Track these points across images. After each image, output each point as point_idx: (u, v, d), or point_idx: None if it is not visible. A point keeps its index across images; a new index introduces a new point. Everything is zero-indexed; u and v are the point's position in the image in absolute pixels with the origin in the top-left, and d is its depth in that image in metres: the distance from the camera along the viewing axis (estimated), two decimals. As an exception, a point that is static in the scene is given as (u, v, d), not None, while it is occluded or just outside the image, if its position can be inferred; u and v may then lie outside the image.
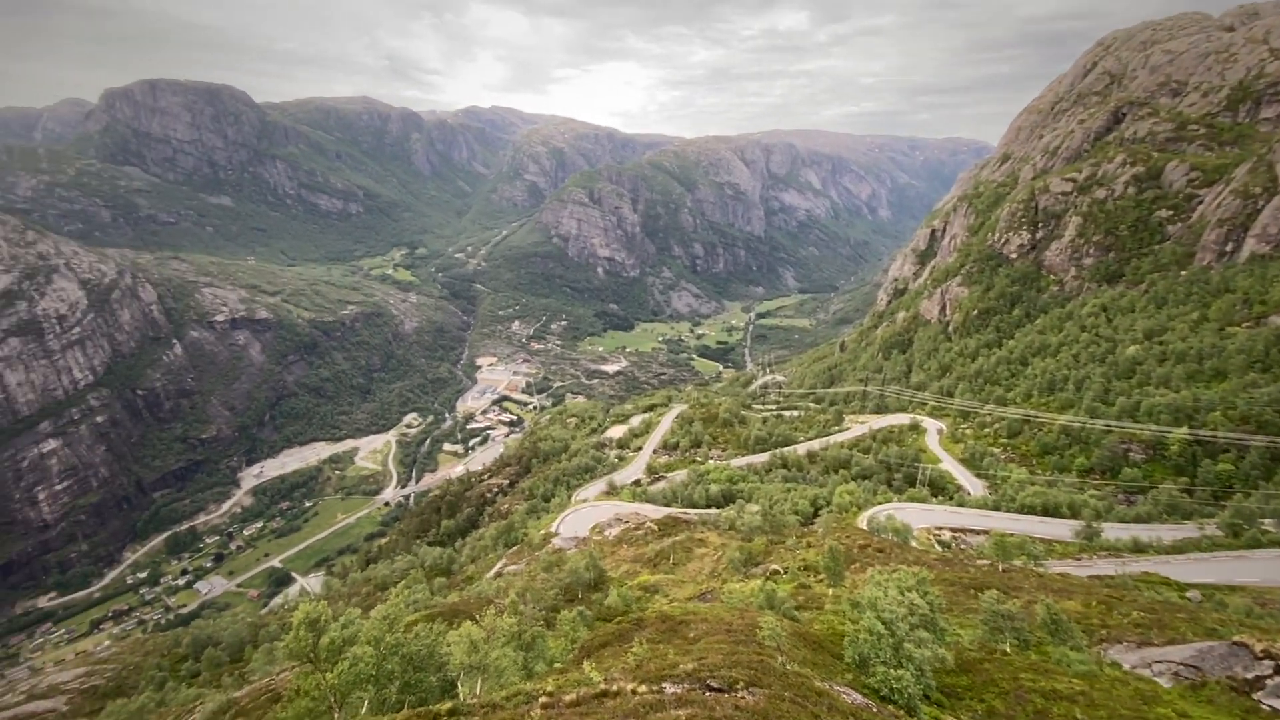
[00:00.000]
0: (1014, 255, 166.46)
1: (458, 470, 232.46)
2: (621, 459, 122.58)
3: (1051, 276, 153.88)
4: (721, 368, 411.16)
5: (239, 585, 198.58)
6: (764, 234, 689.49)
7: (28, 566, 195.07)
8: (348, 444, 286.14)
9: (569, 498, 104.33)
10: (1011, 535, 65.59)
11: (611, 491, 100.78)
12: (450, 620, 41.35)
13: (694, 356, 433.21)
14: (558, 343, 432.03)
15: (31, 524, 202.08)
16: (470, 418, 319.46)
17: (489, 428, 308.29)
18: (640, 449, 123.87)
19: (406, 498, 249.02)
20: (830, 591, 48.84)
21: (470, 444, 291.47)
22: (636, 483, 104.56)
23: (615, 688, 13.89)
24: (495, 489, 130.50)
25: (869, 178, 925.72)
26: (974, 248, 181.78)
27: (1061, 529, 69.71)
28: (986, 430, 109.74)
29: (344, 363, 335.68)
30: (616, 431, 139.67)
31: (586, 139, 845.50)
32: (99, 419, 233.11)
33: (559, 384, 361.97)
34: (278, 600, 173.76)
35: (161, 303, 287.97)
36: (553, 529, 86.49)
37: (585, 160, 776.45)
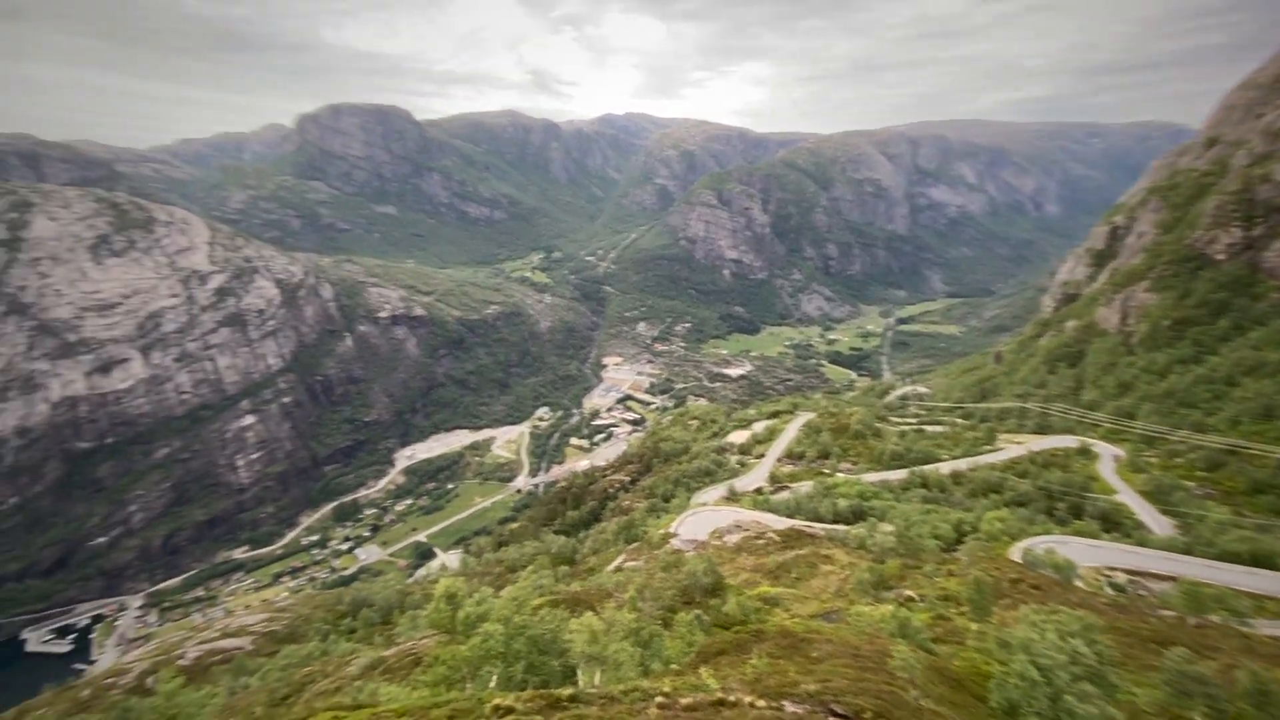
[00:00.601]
0: (1221, 256, 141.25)
1: (583, 464, 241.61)
2: (743, 465, 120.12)
3: (1272, 281, 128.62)
4: (854, 375, 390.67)
5: (390, 555, 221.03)
6: (908, 233, 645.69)
7: (227, 522, 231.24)
8: (486, 433, 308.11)
9: (688, 500, 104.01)
10: (1208, 585, 55.49)
11: (732, 497, 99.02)
12: (573, 608, 42.71)
13: (824, 363, 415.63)
14: (681, 345, 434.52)
15: (231, 486, 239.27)
16: (596, 414, 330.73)
17: (613, 425, 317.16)
18: (763, 456, 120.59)
19: (536, 486, 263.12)
20: (974, 626, 44.37)
21: (595, 439, 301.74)
22: (758, 490, 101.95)
23: (733, 698, 13.37)
24: (617, 485, 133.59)
25: (1035, 169, 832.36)
26: (1167, 247, 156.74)
27: (1277, 584, 57.86)
28: (1178, 460, 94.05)
29: (486, 358, 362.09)
30: (738, 436, 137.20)
31: (717, 140, 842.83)
32: (286, 399, 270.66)
33: (681, 386, 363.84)
34: (422, 572, 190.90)
35: (337, 300, 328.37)
36: (672, 529, 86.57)
37: (716, 162, 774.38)
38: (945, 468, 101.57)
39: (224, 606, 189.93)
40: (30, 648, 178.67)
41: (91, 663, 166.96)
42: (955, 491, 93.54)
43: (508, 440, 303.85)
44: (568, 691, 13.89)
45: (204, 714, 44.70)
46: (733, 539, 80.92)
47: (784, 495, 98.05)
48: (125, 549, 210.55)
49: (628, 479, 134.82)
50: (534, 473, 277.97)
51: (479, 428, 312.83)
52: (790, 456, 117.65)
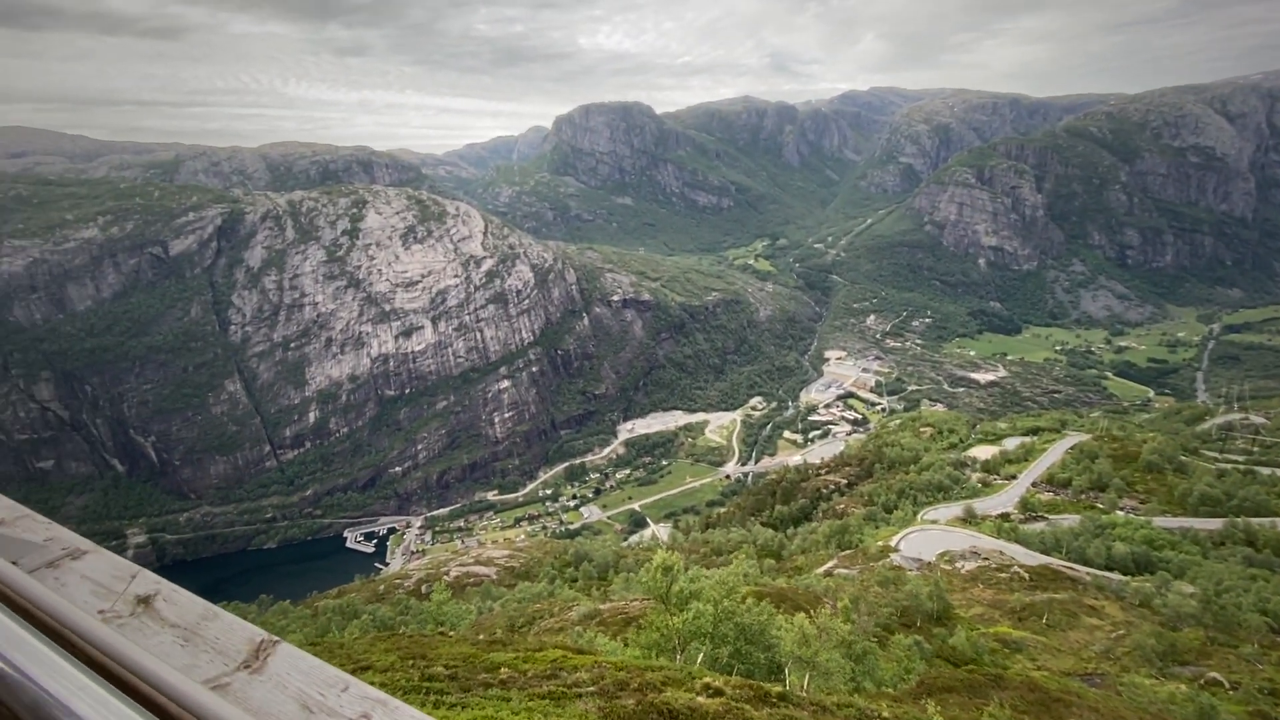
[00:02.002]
0: None
1: (795, 459, 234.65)
2: (986, 485, 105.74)
3: None
4: (1152, 394, 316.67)
5: (608, 517, 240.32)
6: (1252, 215, 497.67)
7: (484, 469, 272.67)
8: (700, 416, 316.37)
9: (914, 514, 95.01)
10: None
11: (969, 520, 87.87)
12: (778, 604, 41.57)
13: (1108, 374, 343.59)
14: (918, 342, 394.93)
15: (488, 439, 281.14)
16: (812, 409, 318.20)
17: (830, 422, 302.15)
18: (1013, 478, 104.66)
19: (745, 475, 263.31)
20: (1327, 743, 33.42)
21: (810, 435, 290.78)
22: (1004, 516, 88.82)
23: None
24: (832, 486, 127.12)
25: None
26: None
27: None
28: None
29: (704, 343, 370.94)
30: (983, 452, 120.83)
31: (980, 110, 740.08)
32: (534, 369, 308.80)
33: (914, 388, 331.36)
34: (635, 538, 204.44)
35: (578, 284, 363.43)
36: (892, 543, 79.83)
37: (977, 135, 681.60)
38: (1289, 525, 77.26)
39: (477, 538, 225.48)
40: (348, 544, 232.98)
41: (386, 564, 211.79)
42: (1304, 558, 70.80)
43: (720, 426, 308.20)
44: (777, 689, 13.07)
45: (462, 624, 53.26)
46: (967, 566, 71.71)
47: (1039, 527, 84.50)
48: (412, 479, 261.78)
49: (844, 481, 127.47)
50: (743, 461, 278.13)
51: (693, 410, 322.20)
52: (1050, 483, 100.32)
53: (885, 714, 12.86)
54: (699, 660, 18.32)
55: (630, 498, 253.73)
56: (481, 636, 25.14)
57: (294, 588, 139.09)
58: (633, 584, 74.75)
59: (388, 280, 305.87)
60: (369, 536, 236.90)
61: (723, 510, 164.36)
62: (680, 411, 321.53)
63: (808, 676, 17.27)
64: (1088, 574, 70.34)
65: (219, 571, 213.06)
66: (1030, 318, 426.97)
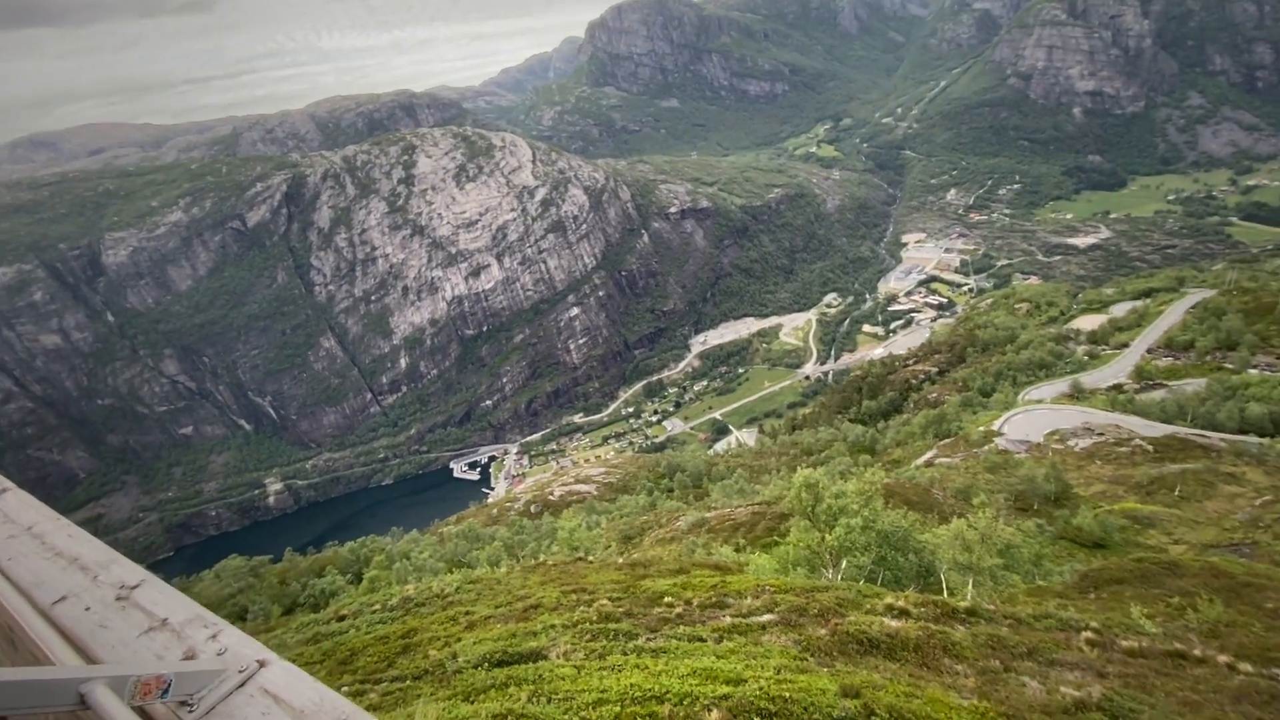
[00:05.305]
0: None
1: (878, 352, 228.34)
2: (1094, 357, 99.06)
3: None
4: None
5: (691, 428, 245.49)
6: None
7: (567, 394, 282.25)
8: (773, 320, 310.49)
9: (1015, 396, 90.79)
10: None
11: (1076, 395, 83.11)
12: (886, 499, 41.17)
13: (1232, 220, 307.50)
14: (1006, 212, 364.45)
15: (567, 366, 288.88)
16: (892, 299, 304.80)
17: (913, 310, 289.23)
18: (1125, 346, 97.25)
19: (825, 374, 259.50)
20: None
21: (891, 326, 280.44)
22: (1117, 388, 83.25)
23: (1197, 653, 10.35)
24: (921, 375, 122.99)
25: None
26: None
27: None
28: None
29: (769, 244, 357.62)
30: (1087, 322, 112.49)
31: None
32: (600, 293, 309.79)
33: (1004, 262, 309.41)
34: (720, 445, 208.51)
35: (634, 200, 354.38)
36: (995, 427, 76.93)
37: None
38: None
39: (570, 458, 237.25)
40: (455, 474, 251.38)
41: (491, 489, 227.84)
42: None
43: (794, 328, 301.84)
44: (963, 604, 12.62)
45: (595, 549, 56.55)
46: (1081, 443, 68.40)
47: (1159, 394, 78.96)
48: (503, 410, 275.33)
49: (934, 369, 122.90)
50: (822, 360, 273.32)
51: (765, 315, 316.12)
52: (1170, 347, 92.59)
53: (1095, 625, 12.07)
54: (843, 567, 18.22)
55: (710, 408, 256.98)
56: (620, 559, 26.15)
57: (416, 517, 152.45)
58: (730, 490, 76.43)
59: (449, 223, 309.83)
60: (473, 465, 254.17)
61: (806, 411, 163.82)
62: (751, 318, 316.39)
63: (970, 582, 16.83)
64: (1221, 440, 65.83)
65: (347, 509, 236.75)
66: (1137, 167, 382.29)
